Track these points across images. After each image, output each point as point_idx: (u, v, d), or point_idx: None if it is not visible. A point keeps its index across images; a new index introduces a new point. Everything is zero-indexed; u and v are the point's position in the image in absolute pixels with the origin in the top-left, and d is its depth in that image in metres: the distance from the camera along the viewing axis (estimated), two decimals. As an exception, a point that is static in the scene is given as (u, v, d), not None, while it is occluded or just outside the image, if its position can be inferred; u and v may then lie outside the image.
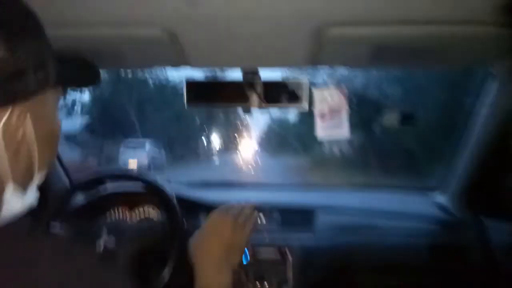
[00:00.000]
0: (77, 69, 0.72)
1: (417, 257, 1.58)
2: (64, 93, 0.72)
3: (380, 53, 1.04)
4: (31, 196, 0.60)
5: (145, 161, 7.29)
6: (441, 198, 1.85)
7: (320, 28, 0.94)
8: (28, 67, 0.53)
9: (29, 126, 0.56)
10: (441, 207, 1.78)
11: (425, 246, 1.60)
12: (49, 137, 0.62)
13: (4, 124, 0.52)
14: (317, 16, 0.91)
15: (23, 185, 0.58)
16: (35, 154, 0.58)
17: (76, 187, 1.58)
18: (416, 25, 0.93)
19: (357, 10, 0.89)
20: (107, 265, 0.59)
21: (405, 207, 1.79)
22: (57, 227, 1.38)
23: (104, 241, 1.33)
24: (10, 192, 0.55)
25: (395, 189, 2.15)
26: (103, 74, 0.94)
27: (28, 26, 0.55)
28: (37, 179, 0.61)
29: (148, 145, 8.10)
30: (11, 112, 0.53)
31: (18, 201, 0.57)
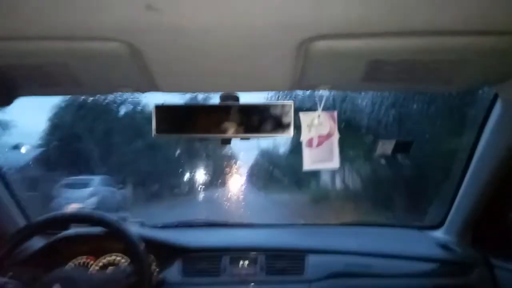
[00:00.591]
0: None
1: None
2: None
3: (374, 71, 0.91)
4: None
5: (90, 203, 5.85)
6: (443, 236, 1.70)
7: (305, 42, 0.82)
8: None
9: None
10: (444, 246, 1.61)
11: (429, 287, 1.42)
12: None
13: None
14: (300, 28, 0.78)
15: None
16: None
17: (32, 228, 1.37)
18: (416, 36, 0.80)
19: (347, 21, 0.76)
20: None
21: (404, 247, 1.62)
22: (4, 276, 1.18)
23: None
24: None
25: (393, 228, 1.99)
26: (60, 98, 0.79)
27: None
28: None
29: (96, 183, 6.33)
30: None
31: None
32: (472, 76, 0.95)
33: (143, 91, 1.06)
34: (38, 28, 0.77)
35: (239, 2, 0.70)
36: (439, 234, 1.75)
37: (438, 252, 1.58)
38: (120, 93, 1.08)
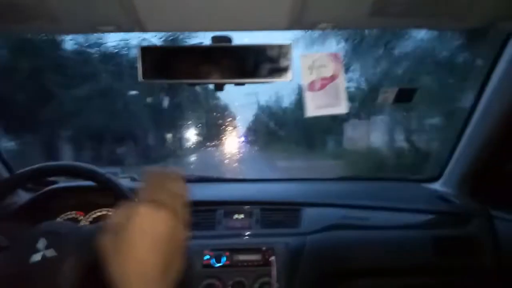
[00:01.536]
0: None
1: (418, 253, 1.38)
2: None
3: (382, 3, 0.82)
4: None
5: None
6: (441, 188, 1.67)
7: None
8: None
9: None
10: (443, 198, 1.59)
11: (428, 239, 1.40)
12: None
13: None
14: None
15: None
16: None
17: (16, 181, 1.30)
18: None
19: None
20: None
21: (402, 199, 1.59)
22: None
23: (43, 249, 1.07)
24: None
25: (390, 181, 1.96)
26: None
27: None
28: None
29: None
30: None
31: None
32: (486, 11, 0.86)
33: (126, 30, 0.96)
34: None
35: None
36: (437, 186, 1.72)
37: (436, 204, 1.56)
38: (101, 33, 0.97)
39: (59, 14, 0.87)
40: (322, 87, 0.93)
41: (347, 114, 1.20)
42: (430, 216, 1.50)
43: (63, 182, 1.57)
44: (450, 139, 1.60)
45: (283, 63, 0.98)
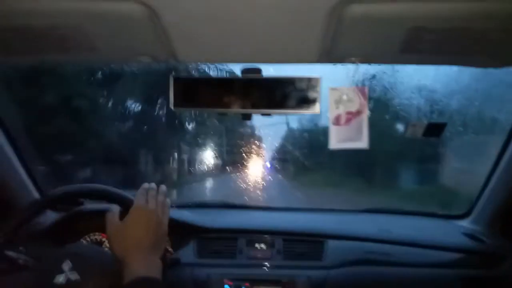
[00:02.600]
0: None
1: (446, 292, 1.33)
2: None
3: (414, 40, 0.82)
4: None
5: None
6: (470, 226, 1.62)
7: (338, 6, 0.73)
8: None
9: None
10: (471, 236, 1.54)
11: (455, 278, 1.35)
12: None
13: None
14: None
15: None
16: None
17: (46, 201, 1.34)
18: (461, 2, 0.72)
19: None
20: None
21: (429, 236, 1.55)
22: (15, 250, 1.16)
23: (67, 270, 1.09)
24: None
25: (417, 216, 1.91)
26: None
27: None
28: None
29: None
30: None
31: None
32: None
33: (161, 60, 1.00)
34: None
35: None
36: (466, 223, 1.67)
37: (465, 242, 1.50)
38: (137, 63, 1.01)
39: (98, 44, 0.91)
40: (347, 121, 0.94)
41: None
42: (458, 255, 1.45)
43: (89, 204, 1.60)
44: (482, 175, 1.56)
45: (311, 95, 1.00)
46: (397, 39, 0.82)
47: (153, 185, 1.08)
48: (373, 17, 0.76)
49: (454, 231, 1.61)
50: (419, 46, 0.84)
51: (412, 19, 0.75)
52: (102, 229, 1.49)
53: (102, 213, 1.49)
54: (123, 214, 1.34)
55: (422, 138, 1.29)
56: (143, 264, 0.89)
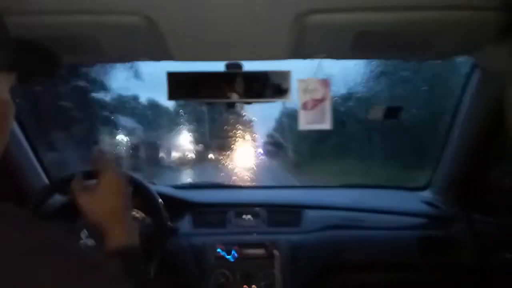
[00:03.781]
0: (34, 57, 0.71)
1: (406, 251, 1.57)
2: (21, 82, 0.69)
3: (362, 41, 1.03)
4: None
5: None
6: (430, 195, 1.86)
7: (300, 16, 0.94)
8: None
9: None
10: (430, 204, 1.77)
11: (414, 240, 1.59)
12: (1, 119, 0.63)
13: None
14: (297, 3, 0.90)
15: None
16: None
17: (54, 186, 1.53)
18: (398, 11, 0.93)
19: None
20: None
21: (393, 204, 1.78)
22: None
23: (84, 238, 1.30)
24: None
25: (385, 189, 2.15)
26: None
27: None
28: None
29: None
30: None
31: None
32: (450, 46, 1.07)
33: (158, 59, 1.19)
34: (70, 3, 0.90)
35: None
36: (426, 194, 1.90)
37: (423, 209, 1.75)
38: (138, 61, 1.21)
39: (105, 48, 1.10)
40: (313, 107, 1.15)
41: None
42: (417, 219, 1.69)
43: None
44: (437, 151, 1.79)
45: (284, 86, 1.20)
46: (348, 40, 1.03)
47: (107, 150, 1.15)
48: (328, 24, 0.96)
49: (416, 200, 1.85)
50: (366, 45, 1.05)
51: (357, 25, 0.96)
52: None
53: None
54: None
55: (384, 120, 1.51)
56: (123, 232, 0.90)
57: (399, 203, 1.83)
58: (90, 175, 1.58)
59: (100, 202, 0.92)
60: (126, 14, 0.93)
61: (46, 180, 1.79)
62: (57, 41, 1.05)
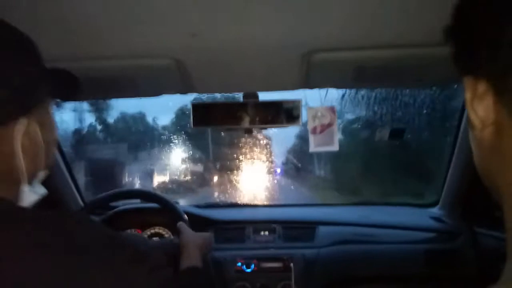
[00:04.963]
0: (62, 83, 0.82)
1: (413, 264, 1.67)
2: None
3: (361, 74, 1.18)
4: (40, 189, 0.73)
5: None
6: (438, 211, 1.96)
7: (307, 54, 1.09)
8: (33, 84, 0.65)
9: (38, 132, 0.68)
10: (437, 219, 1.88)
11: (421, 253, 1.69)
12: (51, 141, 0.74)
13: (23, 134, 0.64)
14: (304, 44, 1.06)
15: (30, 182, 0.69)
16: (42, 157, 0.70)
17: (88, 206, 1.70)
18: (391, 48, 1.07)
19: (338, 38, 1.04)
20: None
21: (403, 220, 1.89)
22: None
23: None
24: (25, 187, 0.67)
25: (396, 206, 2.26)
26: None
27: (34, 53, 0.68)
28: (41, 176, 0.74)
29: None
30: (27, 124, 0.65)
31: (30, 195, 0.69)
32: (438, 76, 1.21)
33: (184, 92, 1.36)
34: (113, 50, 1.08)
35: (257, 27, 0.99)
36: (435, 210, 2.00)
37: (431, 224, 1.85)
38: (166, 94, 1.38)
39: (139, 85, 1.28)
40: (322, 131, 1.29)
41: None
42: (424, 234, 1.79)
43: (122, 206, 1.95)
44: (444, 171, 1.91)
45: (295, 113, 1.35)
46: (348, 73, 1.18)
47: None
48: (330, 60, 1.12)
49: (424, 216, 1.95)
50: (365, 77, 1.20)
51: (356, 61, 1.11)
52: (136, 225, 1.84)
53: (135, 212, 1.86)
54: (152, 212, 1.70)
55: (389, 141, 1.65)
56: (199, 260, 1.24)
57: (409, 219, 1.93)
58: (117, 197, 1.75)
59: (195, 239, 1.33)
60: (159, 58, 1.10)
61: (81, 203, 1.96)
62: (99, 81, 1.24)
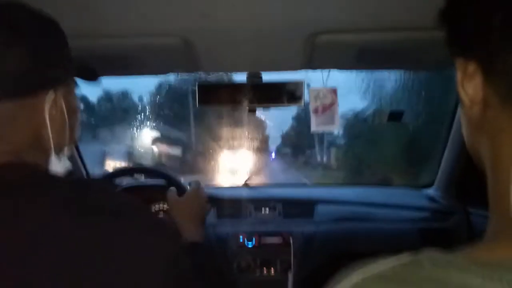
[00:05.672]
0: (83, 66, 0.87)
1: (408, 241, 1.74)
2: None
3: (363, 56, 1.22)
4: (67, 162, 0.78)
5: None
6: (433, 192, 2.02)
7: (311, 36, 1.13)
8: (60, 61, 0.71)
9: (63, 107, 0.73)
10: (432, 199, 1.94)
11: (416, 231, 1.76)
12: (75, 118, 0.79)
13: (50, 106, 0.70)
14: (308, 25, 1.10)
15: (58, 154, 0.75)
16: (67, 131, 0.75)
17: (109, 176, 1.75)
18: (392, 31, 1.11)
19: (341, 20, 1.07)
20: None
21: (399, 200, 1.96)
22: None
23: None
24: (53, 157, 0.73)
25: (393, 187, 2.32)
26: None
27: (59, 35, 0.73)
28: (68, 150, 0.79)
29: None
30: (54, 97, 0.70)
31: (59, 164, 0.75)
32: (437, 59, 1.25)
33: (190, 71, 1.40)
34: (119, 27, 1.11)
35: (264, 9, 1.02)
36: (430, 191, 2.07)
37: (426, 203, 1.91)
38: (172, 72, 1.42)
39: (147, 63, 1.32)
40: (323, 111, 1.34)
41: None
42: (420, 212, 1.86)
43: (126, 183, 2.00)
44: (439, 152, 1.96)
45: (298, 93, 1.40)
46: (351, 55, 1.22)
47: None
48: (334, 42, 1.16)
49: (420, 197, 2.02)
50: (367, 59, 1.24)
51: (359, 43, 1.15)
52: (142, 201, 1.90)
53: (140, 188, 1.91)
54: (155, 188, 1.75)
55: (387, 122, 1.69)
56: (196, 232, 1.17)
57: (404, 199, 2.00)
58: (125, 173, 1.80)
59: (184, 207, 1.25)
60: (168, 37, 1.14)
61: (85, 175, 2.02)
62: (108, 59, 1.27)
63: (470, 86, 0.46)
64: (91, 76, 0.95)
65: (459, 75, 0.48)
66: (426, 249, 0.43)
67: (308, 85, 1.40)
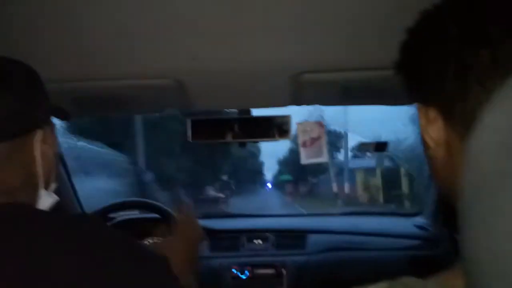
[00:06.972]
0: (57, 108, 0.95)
1: (398, 269, 1.76)
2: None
3: (347, 93, 1.30)
4: (54, 196, 0.81)
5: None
6: (422, 220, 2.07)
7: (296, 75, 1.21)
8: (45, 103, 0.78)
9: (51, 143, 0.78)
10: (421, 227, 1.99)
11: (406, 259, 1.79)
12: (56, 155, 0.84)
13: (41, 143, 0.75)
14: (292, 65, 1.17)
15: (47, 189, 0.78)
16: (53, 168, 0.80)
17: (104, 211, 1.77)
18: (369, 70, 1.19)
19: (324, 60, 1.15)
20: None
21: (389, 229, 2.00)
22: None
23: None
24: (42, 192, 0.76)
25: (383, 215, 2.37)
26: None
27: (40, 82, 0.79)
28: (53, 187, 0.82)
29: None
30: (43, 135, 0.75)
31: (47, 199, 0.78)
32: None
33: (184, 109, 1.47)
34: (113, 70, 1.18)
35: (250, 52, 1.10)
36: (419, 219, 2.11)
37: (415, 231, 1.96)
38: (165, 109, 1.49)
39: (143, 101, 1.38)
40: (311, 144, 1.40)
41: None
42: (409, 241, 1.90)
43: (120, 216, 2.02)
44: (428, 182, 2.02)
45: (285, 127, 1.46)
46: (335, 92, 1.29)
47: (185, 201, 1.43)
48: (317, 81, 1.23)
49: (409, 225, 2.06)
50: (350, 96, 1.32)
51: (341, 82, 1.23)
52: (134, 235, 1.91)
53: (132, 222, 1.93)
54: (149, 222, 1.78)
55: (373, 152, 1.75)
56: (189, 268, 1.08)
57: (394, 227, 2.04)
58: (119, 207, 1.83)
59: (180, 244, 1.14)
60: (161, 78, 1.21)
61: (79, 210, 2.03)
62: (103, 100, 1.34)
63: (433, 129, 0.48)
64: (64, 115, 1.03)
65: (421, 120, 0.50)
66: (404, 277, 0.45)
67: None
